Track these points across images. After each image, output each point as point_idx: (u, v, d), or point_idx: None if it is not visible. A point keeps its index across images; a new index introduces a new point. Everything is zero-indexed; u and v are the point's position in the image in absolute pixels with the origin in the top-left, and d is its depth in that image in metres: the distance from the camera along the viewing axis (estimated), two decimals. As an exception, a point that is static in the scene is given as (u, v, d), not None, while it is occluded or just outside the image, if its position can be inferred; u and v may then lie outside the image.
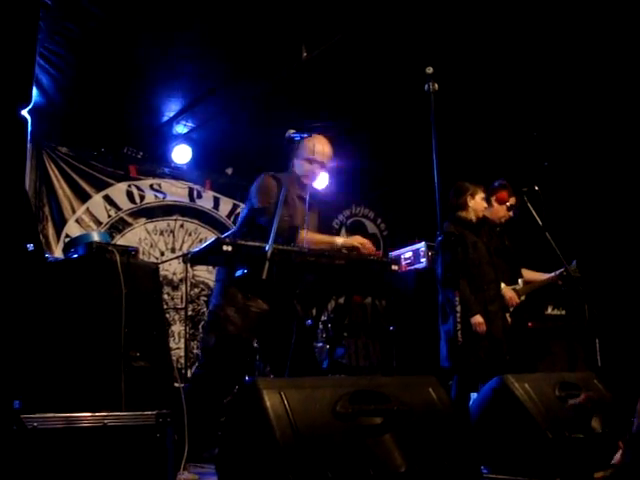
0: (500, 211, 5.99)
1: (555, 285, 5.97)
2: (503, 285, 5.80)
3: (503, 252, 5.97)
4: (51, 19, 5.63)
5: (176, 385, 4.01)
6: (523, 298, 5.93)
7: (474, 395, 5.01)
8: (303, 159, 4.68)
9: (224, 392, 4.85)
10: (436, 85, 4.07)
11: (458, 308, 4.16)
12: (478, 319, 5.33)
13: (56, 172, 7.73)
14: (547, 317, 6.49)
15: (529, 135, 7.83)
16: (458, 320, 4.11)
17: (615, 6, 5.52)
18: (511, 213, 6.02)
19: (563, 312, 6.44)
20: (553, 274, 5.93)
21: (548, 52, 6.22)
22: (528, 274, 6.11)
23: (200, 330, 8.16)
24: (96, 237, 4.36)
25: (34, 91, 6.71)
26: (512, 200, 5.99)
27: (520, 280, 5.99)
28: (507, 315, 5.76)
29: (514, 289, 5.86)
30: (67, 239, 7.29)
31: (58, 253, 7.10)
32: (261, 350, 6.17)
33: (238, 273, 4.03)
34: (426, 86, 4.07)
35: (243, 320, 4.37)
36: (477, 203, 5.77)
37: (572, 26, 5.79)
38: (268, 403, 2.68)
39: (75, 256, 4.05)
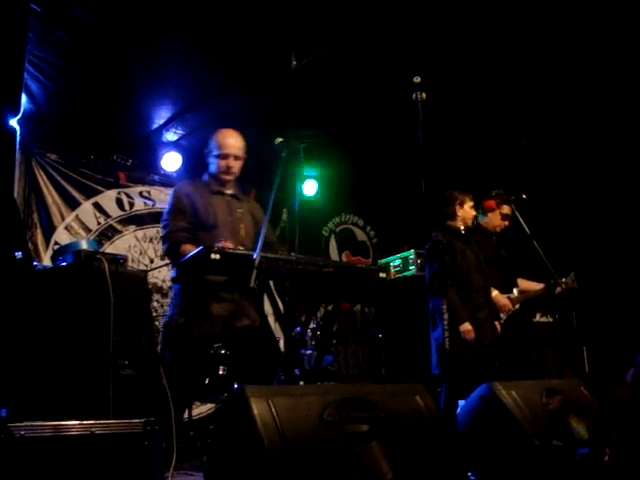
0: (494, 220, 6.04)
1: (545, 293, 6.01)
2: (496, 292, 5.84)
3: (498, 261, 6.01)
4: (41, 26, 5.62)
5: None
6: (517, 307, 5.96)
7: (462, 402, 5.02)
8: (215, 157, 4.73)
9: (186, 403, 4.86)
10: (424, 94, 4.08)
11: (446, 316, 4.17)
12: (467, 327, 5.36)
13: (45, 179, 7.71)
14: (535, 324, 6.52)
15: (517, 144, 7.86)
16: (446, 328, 4.12)
17: (598, 17, 5.57)
18: (507, 222, 6.06)
19: (551, 320, 6.47)
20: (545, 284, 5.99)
21: (536, 61, 6.26)
22: (523, 283, 6.14)
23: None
24: (84, 245, 4.38)
25: (23, 98, 6.70)
26: (506, 209, 6.03)
27: (515, 289, 6.02)
28: (498, 323, 5.79)
29: (509, 297, 5.90)
30: (56, 246, 7.27)
31: (47, 260, 7.08)
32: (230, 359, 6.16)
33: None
34: (414, 95, 4.09)
35: (197, 328, 4.37)
36: (466, 212, 5.81)
37: (559, 34, 5.83)
38: (256, 411, 2.69)
39: (63, 264, 4.06)
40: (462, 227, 5.77)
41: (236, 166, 4.74)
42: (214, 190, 4.73)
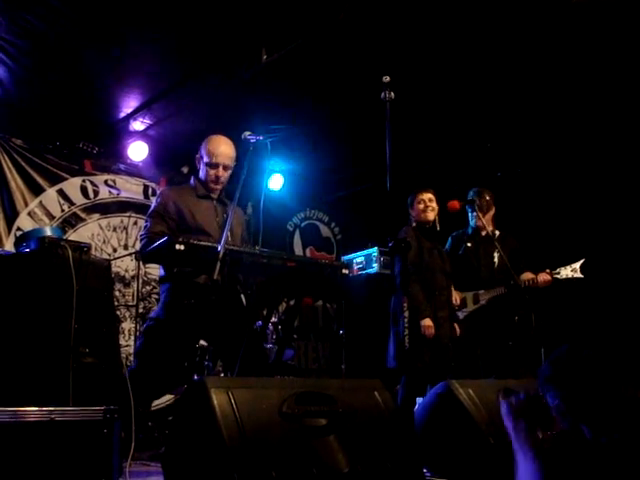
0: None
1: (506, 294, 6.04)
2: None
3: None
4: (9, 9, 5.57)
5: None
6: (477, 306, 6.04)
7: (420, 400, 5.08)
8: (205, 164, 4.73)
9: (153, 396, 4.86)
10: (392, 94, 4.12)
11: (406, 313, 4.21)
12: (427, 322, 5.41)
13: (9, 164, 7.63)
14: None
15: (483, 146, 7.94)
16: (406, 325, 4.17)
17: (567, 20, 5.65)
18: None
19: (508, 319, 6.52)
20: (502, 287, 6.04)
21: (504, 65, 6.32)
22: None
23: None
24: (48, 232, 4.34)
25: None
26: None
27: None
28: (456, 324, 5.85)
29: (475, 294, 6.01)
30: (18, 232, 7.22)
31: (9, 246, 7.02)
32: (214, 350, 6.20)
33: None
34: (382, 94, 4.13)
35: (179, 326, 4.38)
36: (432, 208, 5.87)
37: (526, 38, 5.90)
38: (215, 402, 2.71)
39: (26, 250, 4.03)
40: (431, 224, 5.83)
41: (225, 175, 4.72)
42: (200, 194, 4.72)
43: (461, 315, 6.02)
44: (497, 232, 6.26)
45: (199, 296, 4.36)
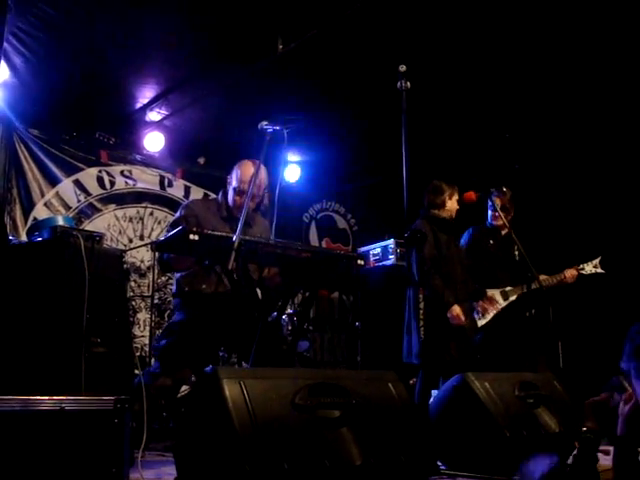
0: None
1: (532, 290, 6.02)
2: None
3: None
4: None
5: (136, 372, 4.00)
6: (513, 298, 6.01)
7: (435, 392, 5.04)
8: (232, 188, 4.71)
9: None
10: (408, 83, 4.09)
11: (422, 305, 4.18)
12: (456, 310, 5.29)
13: (26, 154, 7.66)
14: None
15: (501, 137, 7.88)
16: (421, 317, 4.13)
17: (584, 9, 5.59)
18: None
19: (527, 314, 6.48)
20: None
21: (522, 54, 6.27)
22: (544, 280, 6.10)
23: (166, 318, 8.14)
24: (61, 221, 4.33)
25: (7, 72, 6.64)
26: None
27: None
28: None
29: (503, 291, 5.97)
30: (34, 222, 7.25)
31: (25, 236, 7.04)
32: (228, 344, 6.19)
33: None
34: (399, 84, 4.09)
35: (197, 333, 4.40)
36: (453, 204, 5.82)
37: (544, 28, 5.84)
38: (228, 393, 2.69)
39: (39, 239, 4.03)
40: (448, 218, 5.78)
41: (251, 205, 4.65)
42: (224, 217, 4.69)
43: (494, 311, 5.98)
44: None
45: (210, 307, 4.39)
